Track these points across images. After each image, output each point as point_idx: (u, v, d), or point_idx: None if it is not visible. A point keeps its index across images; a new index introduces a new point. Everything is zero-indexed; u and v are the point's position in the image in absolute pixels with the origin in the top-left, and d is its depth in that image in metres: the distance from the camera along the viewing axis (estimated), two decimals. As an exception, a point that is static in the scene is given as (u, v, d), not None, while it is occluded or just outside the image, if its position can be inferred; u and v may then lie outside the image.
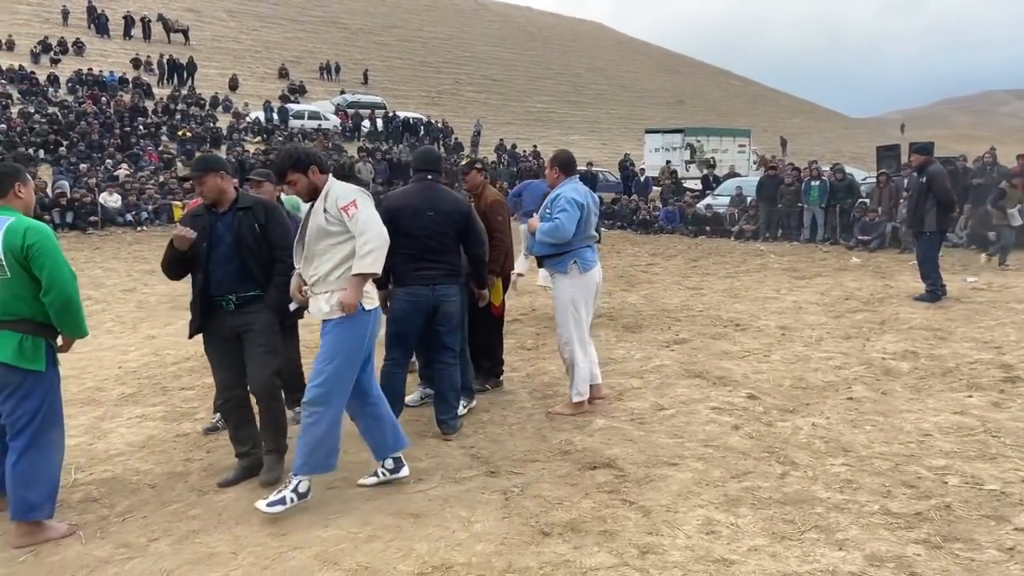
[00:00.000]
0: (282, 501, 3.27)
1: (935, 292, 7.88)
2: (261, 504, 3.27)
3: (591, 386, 4.72)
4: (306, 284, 3.46)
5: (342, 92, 36.54)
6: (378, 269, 3.31)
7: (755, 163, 27.26)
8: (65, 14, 35.45)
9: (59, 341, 3.30)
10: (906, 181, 12.91)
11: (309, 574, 2.80)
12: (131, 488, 3.69)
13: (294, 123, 29.17)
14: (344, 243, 3.32)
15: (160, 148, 22.96)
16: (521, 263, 9.26)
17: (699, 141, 27.24)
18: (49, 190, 16.43)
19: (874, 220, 13.00)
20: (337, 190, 3.39)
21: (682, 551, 2.81)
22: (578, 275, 4.55)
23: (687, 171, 25.41)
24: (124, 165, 19.93)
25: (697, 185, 22.50)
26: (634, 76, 63.58)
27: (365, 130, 30.94)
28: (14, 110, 23.15)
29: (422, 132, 32.32)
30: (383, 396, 3.67)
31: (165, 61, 32.34)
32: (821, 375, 5.30)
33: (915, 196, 8.14)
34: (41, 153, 20.40)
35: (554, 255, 4.57)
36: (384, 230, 3.36)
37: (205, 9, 44.39)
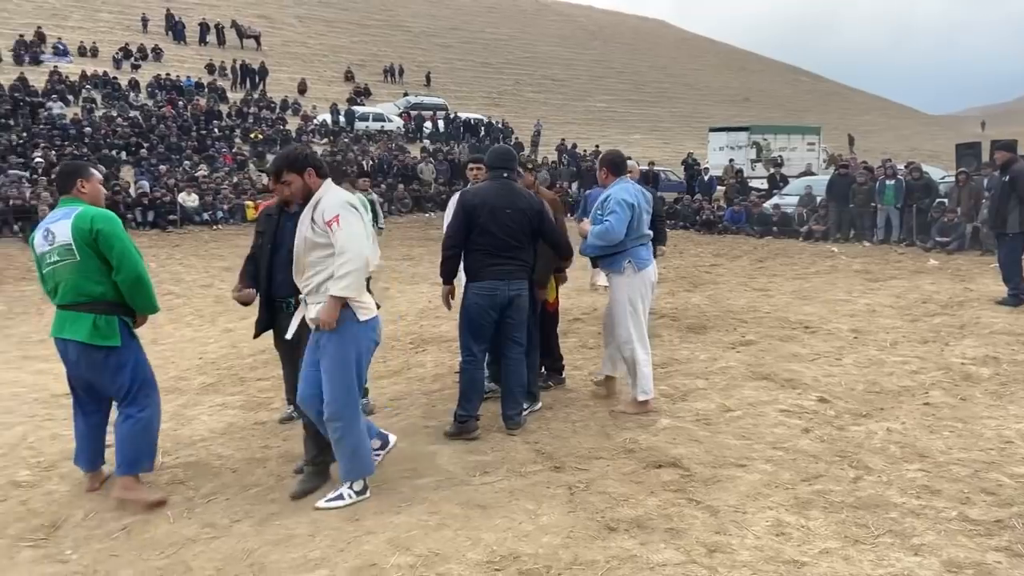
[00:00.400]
0: (340, 497, 3.39)
1: (1018, 296, 7.52)
2: (320, 502, 3.37)
3: (608, 378, 4.89)
4: (300, 293, 3.41)
5: (405, 94, 37.17)
6: (353, 294, 3.20)
7: (825, 162, 26.44)
8: (145, 22, 37.18)
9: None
10: (987, 180, 12.34)
11: (382, 557, 2.90)
12: (214, 472, 3.90)
13: (359, 125, 29.84)
14: (333, 256, 3.23)
15: (234, 150, 23.87)
16: (602, 275, 9.27)
17: (765, 139, 26.59)
18: (132, 190, 17.30)
19: (953, 221, 12.45)
20: (327, 201, 3.27)
21: (751, 551, 2.80)
22: (633, 274, 4.59)
23: (753, 170, 24.85)
24: (203, 166, 20.81)
25: (763, 184, 21.99)
26: (697, 73, 62.49)
27: (427, 131, 31.40)
28: (98, 114, 24.42)
29: (483, 133, 32.58)
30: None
31: (238, 66, 33.56)
32: (896, 379, 5.14)
33: (998, 196, 7.79)
34: (123, 155, 21.45)
35: (608, 255, 4.63)
36: (364, 250, 3.20)
37: (276, 15, 45.85)
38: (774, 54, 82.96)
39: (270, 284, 3.75)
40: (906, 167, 14.45)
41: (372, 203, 11.09)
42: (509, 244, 4.17)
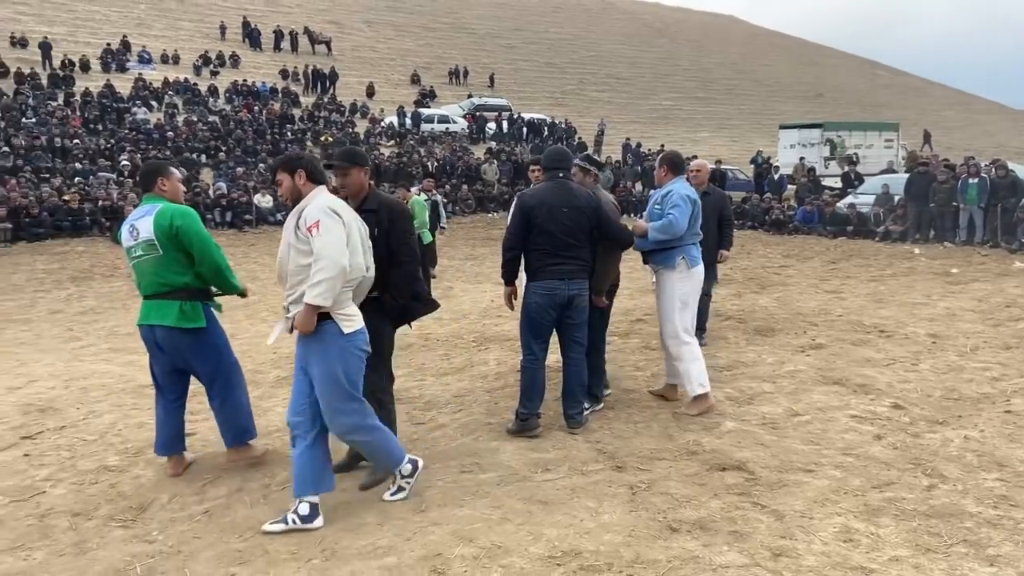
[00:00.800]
0: (400, 489, 3.47)
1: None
2: (386, 495, 3.45)
3: (670, 386, 4.87)
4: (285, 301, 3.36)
5: (469, 96, 37.55)
6: (326, 303, 3.09)
7: (903, 159, 25.34)
8: (223, 30, 38.74)
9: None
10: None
11: (447, 548, 2.98)
12: (288, 462, 4.05)
13: (424, 127, 30.33)
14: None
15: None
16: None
17: (839, 136, 25.65)
18: (211, 191, 18.09)
19: (1043, 220, 11.77)
20: (311, 207, 3.20)
21: (817, 556, 2.75)
22: (686, 270, 4.66)
23: (826, 168, 24.04)
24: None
25: (837, 183, 21.24)
26: (768, 69, 60.83)
27: (491, 132, 31.64)
28: (180, 119, 25.61)
29: (546, 133, 32.62)
30: (326, 434, 3.39)
31: (310, 71, 34.60)
32: (976, 386, 4.92)
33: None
34: (203, 158, 22.44)
35: (662, 251, 4.67)
36: (341, 258, 3.09)
37: (346, 21, 47.04)
38: (849, 48, 79.85)
39: None
40: (991, 164, 13.72)
41: (435, 204, 11.25)
42: (568, 243, 4.20)
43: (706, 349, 6.25)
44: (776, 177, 21.36)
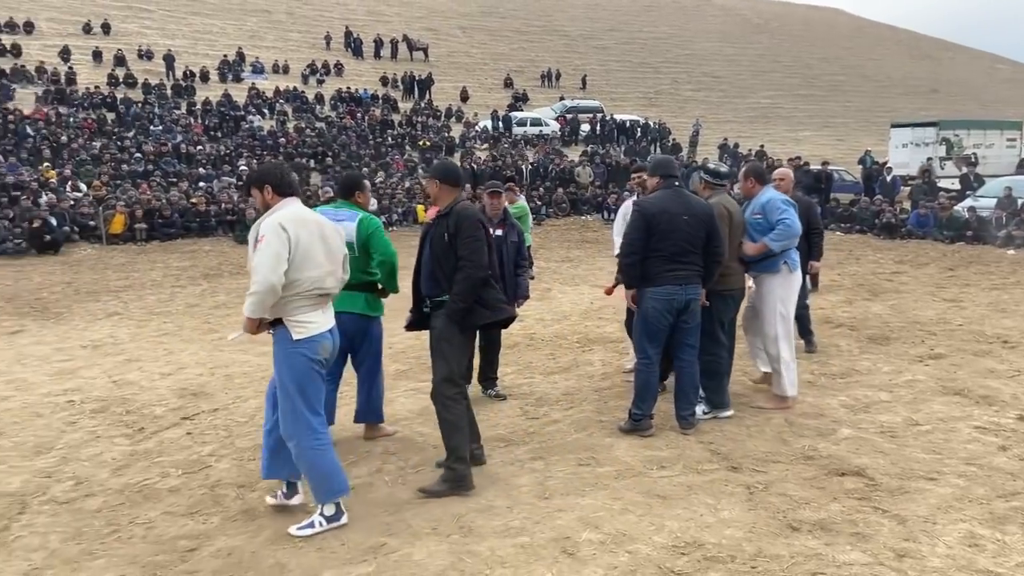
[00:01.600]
0: (311, 525, 3.35)
1: None
2: (292, 528, 3.35)
3: (767, 373, 5.06)
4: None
5: (561, 98, 37.75)
6: (255, 315, 3.19)
7: (1028, 159, 23.67)
8: (328, 40, 40.62)
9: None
10: None
11: (575, 532, 3.22)
12: (418, 447, 4.41)
13: (517, 130, 30.78)
14: None
15: (405, 157, 25.57)
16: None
17: (957, 135, 24.22)
18: (320, 194, 19.11)
19: None
20: (268, 220, 3.26)
21: (942, 559, 2.81)
22: (788, 274, 4.87)
23: (942, 169, 22.77)
24: (381, 172, 22.54)
25: (954, 185, 20.10)
26: (877, 64, 57.89)
27: (583, 134, 31.74)
28: (289, 126, 27.12)
29: (638, 134, 32.39)
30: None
31: (408, 78, 35.79)
32: (1113, 401, 4.71)
33: None
34: (311, 163, 23.70)
35: (765, 257, 4.83)
36: (271, 275, 3.13)
37: (442, 28, 48.29)
38: (966, 40, 74.80)
39: (416, 284, 4.04)
40: None
41: (521, 207, 11.34)
42: (686, 249, 4.35)
43: (817, 356, 6.23)
44: (888, 178, 20.42)
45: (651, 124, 33.81)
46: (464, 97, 36.01)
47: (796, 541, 3.07)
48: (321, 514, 3.37)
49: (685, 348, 4.53)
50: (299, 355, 3.28)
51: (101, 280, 11.84)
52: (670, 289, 4.35)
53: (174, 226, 15.97)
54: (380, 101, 32.32)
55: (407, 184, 21.16)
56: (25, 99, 24.53)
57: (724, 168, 5.22)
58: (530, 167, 23.81)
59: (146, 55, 32.17)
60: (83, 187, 17.52)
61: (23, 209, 14.81)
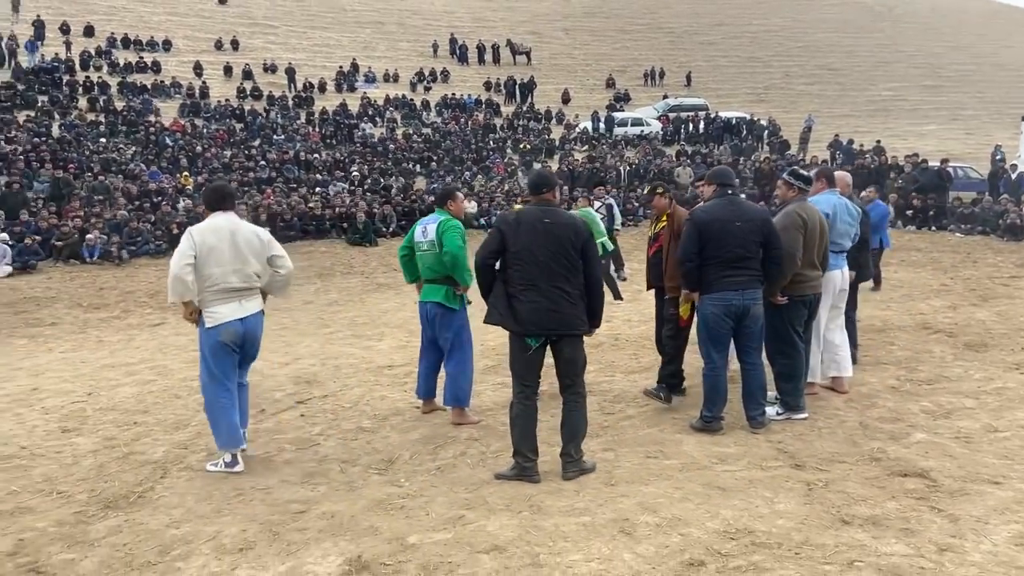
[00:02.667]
0: (215, 464, 4.37)
1: None
2: (208, 465, 4.42)
3: (835, 378, 5.41)
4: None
5: (665, 97, 37.30)
6: (170, 298, 4.20)
7: None
8: (435, 47, 42.09)
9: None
10: None
11: (633, 515, 3.51)
12: (499, 435, 4.81)
13: (618, 130, 30.77)
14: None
15: (505, 160, 26.24)
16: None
17: (1100, 127, 22.13)
18: (426, 198, 20.02)
19: None
20: (188, 228, 4.31)
21: (984, 555, 2.90)
22: (839, 271, 5.31)
23: (1081, 165, 20.90)
24: (479, 176, 23.30)
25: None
26: (1011, 52, 53.26)
27: (686, 133, 31.29)
28: (399, 132, 28.43)
29: (744, 132, 31.56)
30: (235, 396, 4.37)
31: (510, 82, 36.53)
32: None
33: None
34: (417, 167, 24.81)
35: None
36: (174, 268, 4.10)
37: (545, 30, 48.80)
38: None
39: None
40: None
41: (610, 207, 11.39)
42: (741, 255, 4.51)
43: (907, 362, 6.16)
44: (1014, 176, 19.01)
45: (758, 121, 32.83)
46: (565, 99, 36.33)
47: (844, 533, 3.23)
48: (223, 460, 4.35)
49: (749, 351, 4.69)
50: (209, 337, 4.24)
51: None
52: (727, 295, 4.52)
53: (293, 229, 17.26)
54: (483, 106, 33.19)
55: (506, 187, 21.75)
56: (165, 112, 27.07)
57: (810, 173, 5.29)
58: (628, 168, 23.82)
59: (270, 68, 34.56)
60: (215, 193, 19.26)
61: (163, 214, 16.50)
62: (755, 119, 33.02)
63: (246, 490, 4.09)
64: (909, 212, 17.49)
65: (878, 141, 27.45)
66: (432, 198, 19.95)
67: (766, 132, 31.58)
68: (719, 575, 2.96)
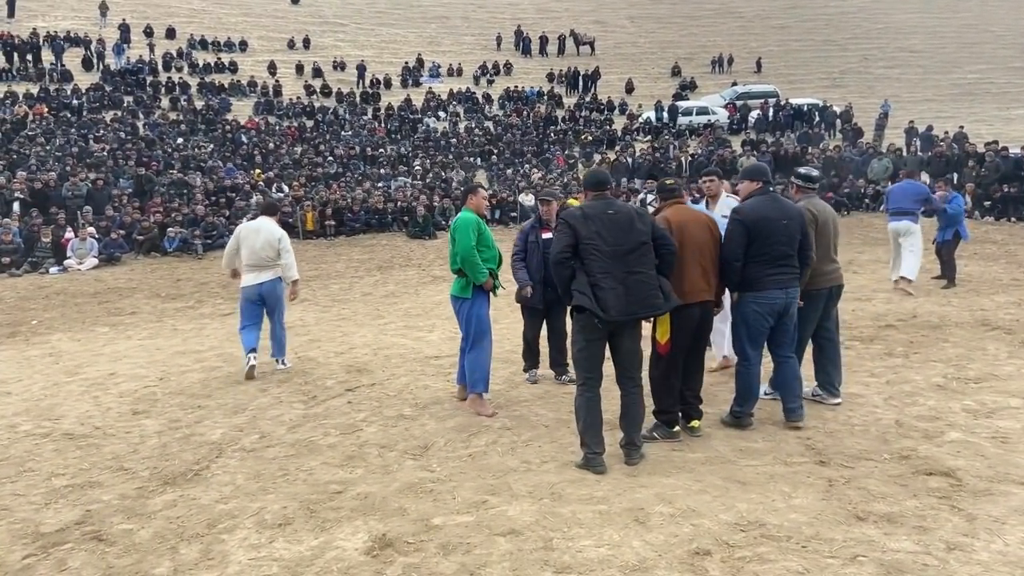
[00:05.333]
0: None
1: None
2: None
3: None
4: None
5: (733, 84, 36.36)
6: (223, 268, 6.70)
7: None
8: (499, 40, 42.28)
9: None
10: None
11: (649, 505, 3.62)
12: (532, 425, 4.99)
13: (683, 120, 30.24)
14: None
15: (566, 152, 26.24)
16: (910, 267, 8.70)
17: None
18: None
19: None
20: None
21: (992, 553, 2.88)
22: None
23: None
24: (535, 169, 23.40)
25: None
26: (1119, 25, 49.40)
27: (753, 121, 30.48)
28: (461, 126, 28.80)
29: (816, 119, 30.50)
30: None
31: (572, 73, 36.39)
32: None
33: None
34: (478, 160, 25.12)
35: None
36: (226, 250, 6.68)
37: (610, 19, 48.30)
38: None
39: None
40: None
41: (642, 202, 11.32)
42: (786, 253, 4.51)
43: (956, 360, 5.99)
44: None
45: (830, 107, 31.63)
46: (629, 89, 35.93)
47: (856, 529, 3.25)
48: (246, 361, 6.48)
49: (784, 346, 4.70)
50: (241, 293, 6.62)
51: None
52: (773, 293, 4.51)
53: (357, 222, 17.84)
54: (545, 98, 33.21)
55: (565, 180, 21.77)
56: (240, 110, 28.28)
57: (815, 172, 5.25)
58: (690, 159, 23.46)
59: (340, 66, 35.54)
60: (285, 188, 20.06)
61: (237, 208, 17.34)
62: (828, 105, 31.82)
63: (290, 471, 4.40)
64: (987, 203, 16.67)
65: (961, 126, 26.10)
66: (490, 190, 20.22)
67: (838, 119, 30.37)
68: (723, 564, 3.04)
